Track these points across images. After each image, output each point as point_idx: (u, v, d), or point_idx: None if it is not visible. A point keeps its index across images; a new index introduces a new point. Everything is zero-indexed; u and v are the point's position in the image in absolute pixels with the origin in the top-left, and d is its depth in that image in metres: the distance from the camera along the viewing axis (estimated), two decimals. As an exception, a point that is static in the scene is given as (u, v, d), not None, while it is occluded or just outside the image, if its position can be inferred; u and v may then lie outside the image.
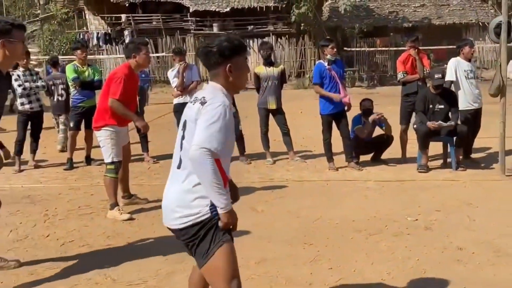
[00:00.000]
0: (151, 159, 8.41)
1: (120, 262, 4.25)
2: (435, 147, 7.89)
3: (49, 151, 9.05)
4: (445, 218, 5.46)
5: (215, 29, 23.84)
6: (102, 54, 21.92)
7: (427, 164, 7.49)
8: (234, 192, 2.73)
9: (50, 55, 10.89)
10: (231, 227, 2.48)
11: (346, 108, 7.69)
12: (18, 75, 8.17)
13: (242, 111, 8.11)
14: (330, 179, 7.26)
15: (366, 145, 8.10)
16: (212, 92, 2.53)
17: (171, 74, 8.23)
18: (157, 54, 21.57)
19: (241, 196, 2.63)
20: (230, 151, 2.65)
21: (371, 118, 8.12)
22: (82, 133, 8.39)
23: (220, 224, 2.41)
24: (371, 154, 8.26)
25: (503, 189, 6.60)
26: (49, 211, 5.98)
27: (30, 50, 10.05)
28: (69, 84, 8.32)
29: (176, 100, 8.14)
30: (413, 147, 7.95)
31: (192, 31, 23.97)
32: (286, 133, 8.26)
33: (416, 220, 5.41)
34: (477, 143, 8.12)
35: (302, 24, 21.52)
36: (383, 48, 21.36)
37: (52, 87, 8.88)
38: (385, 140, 8.23)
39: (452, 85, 7.66)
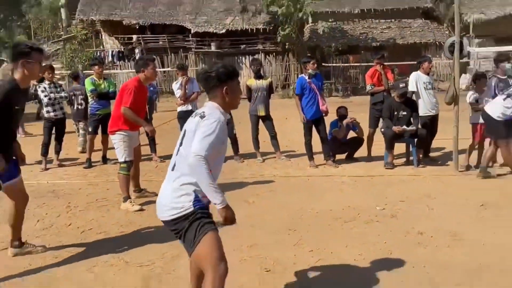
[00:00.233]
0: (158, 159, 8.45)
1: (132, 247, 4.32)
2: (399, 148, 7.95)
3: (71, 152, 9.05)
4: (408, 208, 5.56)
5: (213, 48, 23.80)
6: (116, 69, 21.84)
7: (393, 162, 7.61)
8: None
9: (71, 70, 10.83)
10: (226, 220, 2.52)
11: (324, 114, 7.74)
12: (44, 87, 8.24)
13: (236, 117, 8.15)
14: (311, 175, 7.32)
15: (342, 145, 8.21)
16: (210, 109, 2.62)
17: (175, 86, 8.26)
18: (163, 69, 21.50)
19: (235, 190, 2.68)
20: (222, 159, 2.76)
21: (345, 122, 8.24)
22: (99, 136, 8.42)
23: (220, 217, 2.50)
24: (346, 154, 8.32)
25: (457, 183, 6.73)
26: (71, 204, 6.03)
27: (54, 66, 10.00)
28: (88, 95, 8.38)
29: (179, 108, 8.17)
30: (380, 148, 7.99)
31: (193, 50, 23.95)
32: (273, 136, 8.30)
33: (384, 209, 5.51)
34: (435, 144, 8.23)
35: (287, 44, 21.56)
36: (355, 64, 21.48)
37: (73, 98, 8.92)
38: (358, 141, 8.31)
39: (414, 95, 7.74)
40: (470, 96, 7.40)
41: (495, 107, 6.43)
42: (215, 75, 2.62)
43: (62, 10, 33.03)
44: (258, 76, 8.48)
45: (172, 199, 2.51)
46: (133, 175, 5.99)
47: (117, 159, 6.01)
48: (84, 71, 14.10)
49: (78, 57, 24.67)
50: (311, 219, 5.20)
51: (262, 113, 8.24)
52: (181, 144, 2.61)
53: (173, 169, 2.61)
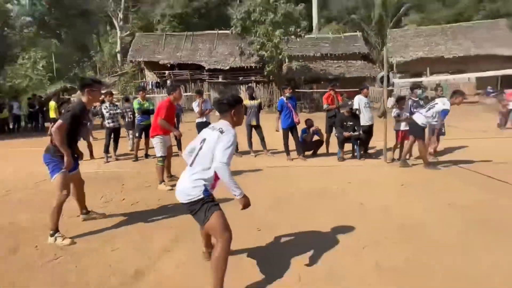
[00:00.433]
0: (181, 153, 8.32)
1: (165, 214, 4.33)
2: (348, 147, 7.92)
3: (123, 150, 8.98)
4: (354, 187, 5.57)
5: (220, 79, 23.78)
6: (154, 94, 21.71)
7: (343, 156, 7.61)
8: None
9: (124, 95, 10.82)
10: (244, 206, 2.62)
11: (296, 124, 7.73)
12: (106, 106, 8.25)
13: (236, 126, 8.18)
14: (289, 165, 7.31)
15: (309, 145, 8.20)
16: (226, 126, 2.64)
17: (194, 105, 8.21)
18: (186, 94, 21.39)
19: (235, 176, 2.65)
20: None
21: (311, 129, 8.22)
22: (142, 140, 8.38)
23: (240, 205, 2.59)
24: (311, 151, 8.27)
25: (386, 170, 6.79)
26: (125, 185, 6.01)
27: (113, 92, 9.97)
28: (135, 111, 8.33)
29: (197, 120, 8.11)
30: (334, 147, 7.99)
31: (206, 80, 23.88)
32: (262, 139, 8.26)
33: (338, 188, 5.51)
34: (371, 144, 8.22)
35: (271, 76, 21.55)
36: (318, 90, 21.44)
37: (125, 113, 8.89)
38: (319, 143, 8.31)
39: (357, 111, 7.75)
40: (394, 112, 7.48)
41: (420, 117, 6.50)
42: (226, 103, 2.70)
43: (118, 55, 32.97)
44: (251, 98, 8.48)
45: (188, 188, 2.53)
46: (166, 166, 5.96)
47: (155, 155, 5.97)
48: (132, 95, 13.99)
49: (128, 86, 24.60)
50: (288, 195, 5.20)
51: (254, 123, 8.22)
52: (201, 148, 2.61)
53: (191, 165, 2.62)
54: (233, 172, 2.65)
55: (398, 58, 24.75)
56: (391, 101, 7.84)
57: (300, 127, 8.08)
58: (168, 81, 23.19)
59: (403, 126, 7.30)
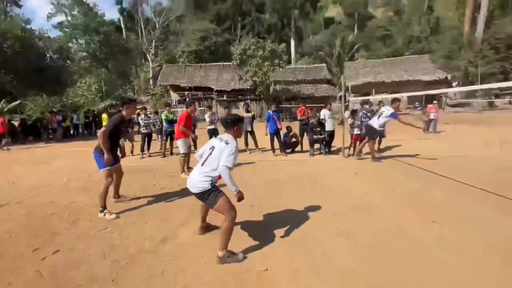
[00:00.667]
0: (196, 151, 8.29)
1: (185, 195, 4.20)
2: (316, 146, 7.93)
3: (154, 150, 8.86)
4: (321, 174, 5.54)
5: (225, 97, 23.70)
6: (177, 109, 21.56)
7: (313, 153, 7.58)
8: None
9: (154, 109, 10.77)
10: (239, 199, 2.57)
11: (280, 129, 7.71)
12: (142, 117, 8.21)
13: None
14: (274, 160, 7.27)
15: (289, 145, 8.16)
16: (230, 138, 2.60)
17: (206, 116, 8.16)
18: (200, 108, 21.22)
19: (235, 168, 2.64)
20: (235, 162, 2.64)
21: (291, 133, 8.20)
22: (168, 142, 8.28)
23: (235, 198, 2.54)
24: (290, 149, 8.22)
25: (344, 163, 6.71)
26: (155, 174, 5.92)
27: (146, 107, 9.88)
28: (163, 121, 8.23)
29: (208, 127, 8.06)
30: (306, 146, 7.96)
31: (215, 98, 23.78)
32: (255, 140, 8.21)
33: (310, 176, 5.47)
34: (333, 144, 8.16)
35: (261, 95, 21.54)
36: (295, 105, 21.43)
37: (155, 122, 8.77)
38: (296, 143, 8.30)
39: (323, 120, 7.73)
40: (349, 121, 7.48)
41: (375, 122, 6.42)
42: (230, 122, 2.68)
43: (150, 80, 32.73)
44: (247, 111, 8.44)
45: (198, 182, 2.52)
46: (186, 160, 5.88)
47: (179, 152, 5.90)
48: (160, 110, 13.90)
49: (158, 103, 24.41)
50: (274, 180, 5.18)
51: (249, 129, 8.16)
52: (210, 154, 2.60)
53: (202, 165, 2.60)
54: (235, 164, 2.66)
55: (352, 83, 24.88)
56: (347, 113, 7.87)
57: (283, 132, 8.06)
58: (187, 99, 23.10)
59: (356, 131, 7.33)
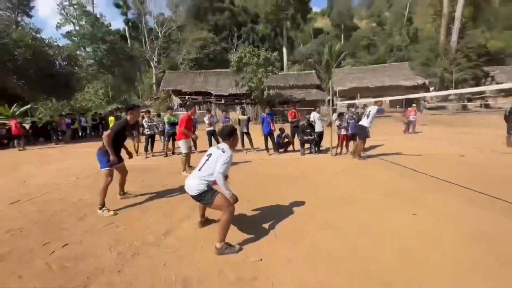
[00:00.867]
0: (197, 151, 8.19)
1: (186, 192, 4.19)
2: (306, 146, 7.94)
3: (157, 149, 8.79)
4: (311, 172, 5.54)
5: (223, 101, 23.63)
6: (178, 112, 21.45)
7: (304, 152, 7.57)
8: None
9: (157, 112, 10.70)
10: (233, 202, 2.56)
11: (273, 131, 7.70)
12: (146, 120, 8.08)
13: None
14: (268, 159, 7.25)
15: (281, 145, 8.15)
16: (226, 147, 2.59)
17: (205, 118, 8.11)
18: (200, 111, 21.11)
19: (232, 166, 2.63)
20: (229, 168, 2.64)
21: (283, 135, 8.20)
22: (170, 143, 8.21)
23: (231, 201, 2.53)
24: (283, 149, 8.20)
25: (332, 161, 6.72)
26: (159, 173, 5.85)
27: (150, 110, 9.78)
28: (165, 123, 8.17)
29: (207, 129, 8.00)
30: (297, 146, 7.95)
31: (214, 102, 23.68)
32: (250, 141, 8.17)
33: (300, 173, 5.47)
34: (322, 144, 8.18)
35: (256, 99, 21.52)
36: (287, 109, 21.44)
37: (158, 125, 8.67)
38: (288, 143, 8.30)
39: (313, 122, 7.74)
40: (337, 122, 7.50)
41: (365, 122, 6.37)
42: (226, 133, 2.67)
43: (154, 85, 32.45)
44: (243, 114, 8.39)
45: (195, 185, 2.51)
46: (187, 159, 5.82)
47: (181, 152, 5.86)
48: (163, 112, 13.75)
49: (161, 107, 24.22)
50: (269, 178, 5.16)
51: (245, 130, 8.12)
52: (207, 160, 2.60)
53: (199, 170, 2.59)
54: (232, 163, 2.66)
55: (340, 88, 25.07)
56: (335, 116, 7.92)
57: (276, 133, 8.05)
58: (188, 103, 22.96)
59: (343, 132, 7.37)
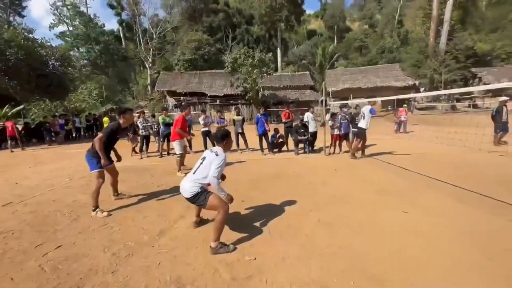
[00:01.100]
0: (192, 152, 8.16)
1: (179, 192, 4.16)
2: (300, 146, 7.96)
3: (152, 150, 8.69)
4: (305, 171, 5.56)
5: (218, 102, 23.53)
6: (173, 112, 21.26)
7: (298, 152, 7.58)
8: None
9: (152, 113, 10.60)
10: (229, 202, 2.59)
11: (268, 131, 7.71)
12: (141, 121, 8.02)
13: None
14: (263, 158, 7.24)
15: (276, 145, 8.14)
16: (220, 151, 2.58)
17: (200, 119, 8.08)
18: (195, 112, 21.03)
19: (227, 166, 2.62)
20: (222, 170, 2.62)
21: (278, 135, 8.21)
22: (165, 143, 8.12)
23: (227, 201, 2.55)
24: (277, 149, 8.20)
25: (325, 160, 6.75)
26: (154, 173, 5.79)
27: (145, 111, 9.69)
28: (160, 124, 8.09)
29: (202, 129, 7.97)
30: (291, 146, 7.96)
31: (209, 103, 23.55)
32: (245, 141, 8.16)
33: (294, 172, 5.48)
34: (316, 144, 8.21)
35: (251, 100, 21.50)
36: (281, 109, 21.46)
37: (153, 125, 8.58)
38: (283, 143, 8.30)
39: (306, 122, 7.76)
40: (330, 123, 7.54)
41: (363, 123, 6.42)
42: (220, 137, 2.68)
43: (148, 86, 32.15)
44: (238, 114, 8.34)
45: (190, 188, 2.51)
46: (182, 160, 5.79)
47: (176, 153, 5.81)
48: (157, 113, 13.64)
49: (156, 107, 24.02)
50: (263, 177, 5.16)
51: (240, 131, 8.10)
52: (201, 163, 2.60)
53: (194, 173, 2.58)
54: (227, 163, 2.65)
55: (333, 88, 25.24)
56: (328, 116, 7.96)
57: (270, 133, 8.05)
58: (183, 104, 22.84)
59: (336, 131, 7.42)
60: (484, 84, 24.78)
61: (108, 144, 3.61)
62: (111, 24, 63.50)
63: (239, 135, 8.21)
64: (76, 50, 32.02)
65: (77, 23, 33.38)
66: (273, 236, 2.77)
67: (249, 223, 3.08)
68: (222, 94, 23.85)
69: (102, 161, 3.47)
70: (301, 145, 7.94)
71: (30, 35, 15.82)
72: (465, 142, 7.10)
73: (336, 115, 7.57)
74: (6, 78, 13.62)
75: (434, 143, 7.95)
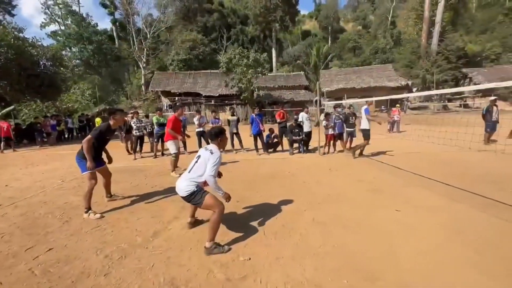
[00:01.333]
0: (187, 152, 8.12)
1: (174, 193, 4.12)
2: (295, 145, 7.97)
3: (146, 150, 8.60)
4: (299, 171, 5.58)
5: (213, 102, 23.45)
6: (167, 113, 21.13)
7: (293, 152, 7.60)
8: None
9: (145, 113, 10.49)
10: (226, 200, 2.61)
11: (263, 131, 7.70)
12: (134, 121, 7.94)
13: (223, 133, 8.05)
14: (257, 158, 7.23)
15: (271, 145, 8.16)
16: (214, 148, 2.56)
17: (195, 119, 8.03)
18: (190, 112, 20.92)
19: (223, 166, 2.60)
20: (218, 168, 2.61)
21: (272, 135, 8.21)
22: (159, 144, 8.04)
23: (223, 199, 2.57)
24: (272, 149, 8.22)
25: (319, 160, 6.77)
26: (147, 174, 5.73)
27: (138, 112, 9.58)
28: (154, 124, 8.01)
29: (197, 129, 7.93)
30: (286, 146, 8.00)
31: (203, 103, 23.47)
32: (240, 141, 8.16)
33: (289, 172, 5.49)
34: (310, 143, 8.23)
35: (246, 100, 21.48)
36: (276, 109, 21.54)
37: (147, 126, 8.49)
38: (277, 143, 8.30)
39: (301, 122, 7.78)
40: (324, 123, 7.57)
41: (365, 124, 6.43)
42: (214, 134, 2.66)
43: (142, 86, 31.80)
44: (233, 114, 8.30)
45: (185, 187, 2.49)
46: (176, 160, 5.75)
47: (170, 153, 5.75)
48: (152, 113, 13.54)
49: (150, 108, 23.77)
50: (258, 177, 5.15)
51: (235, 131, 8.09)
52: (196, 161, 2.58)
53: (189, 172, 2.57)
54: (222, 163, 2.64)
55: (327, 88, 25.40)
56: (322, 116, 8.00)
57: (265, 133, 8.05)
58: (177, 104, 22.69)
59: (330, 131, 7.46)
60: (475, 84, 25.26)
61: (99, 145, 3.55)
62: (104, 23, 62.77)
63: (234, 135, 8.19)
64: (68, 49, 31.51)
65: (69, 22, 32.83)
66: (268, 236, 2.77)
67: (243, 223, 3.08)
68: (217, 94, 23.79)
69: (88, 163, 3.36)
70: (295, 145, 7.97)
71: (21, 34, 15.50)
72: (456, 141, 7.22)
73: (330, 115, 7.61)
74: (-4, 78, 13.33)
75: (426, 142, 8.06)
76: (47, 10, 32.85)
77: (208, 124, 8.25)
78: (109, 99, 28.01)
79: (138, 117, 8.26)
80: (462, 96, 25.96)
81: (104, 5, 37.37)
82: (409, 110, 23.92)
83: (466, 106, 25.08)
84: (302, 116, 7.84)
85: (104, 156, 3.84)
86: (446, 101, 25.43)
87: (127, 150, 8.41)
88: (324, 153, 7.48)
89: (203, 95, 23.97)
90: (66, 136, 14.82)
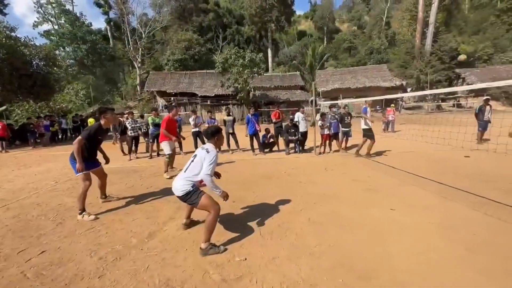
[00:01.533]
0: (182, 153, 8.08)
1: (170, 194, 4.10)
2: (291, 145, 7.99)
3: (141, 150, 8.53)
4: (295, 171, 5.57)
5: (208, 102, 23.35)
6: (163, 113, 20.99)
7: (289, 152, 7.61)
8: None
9: (141, 113, 10.39)
10: (224, 199, 2.60)
11: (259, 131, 7.70)
12: (129, 121, 7.87)
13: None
14: (254, 158, 7.22)
15: (267, 145, 8.16)
16: (211, 147, 2.56)
17: (190, 119, 7.99)
18: (186, 112, 20.81)
19: (218, 166, 2.58)
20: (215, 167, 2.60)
21: (269, 135, 8.21)
22: (155, 144, 7.96)
23: (221, 198, 2.55)
24: (268, 149, 8.22)
25: (315, 160, 6.78)
26: (142, 175, 5.67)
27: (133, 112, 9.50)
28: (149, 125, 7.92)
29: (192, 130, 7.90)
30: (282, 146, 7.99)
31: (199, 103, 23.36)
32: (236, 141, 8.15)
33: (285, 172, 5.49)
34: (306, 143, 8.25)
35: (242, 100, 21.44)
36: (272, 109, 21.55)
37: (142, 126, 8.42)
38: (273, 143, 8.30)
39: (297, 122, 7.79)
40: (320, 122, 7.57)
41: (365, 123, 6.41)
42: (210, 133, 2.65)
43: (138, 86, 31.53)
44: (228, 115, 8.34)
45: (181, 186, 2.48)
46: (170, 160, 5.70)
47: (164, 154, 5.71)
48: (147, 113, 13.43)
49: (145, 108, 23.58)
50: (254, 177, 5.14)
51: (231, 131, 8.09)
52: (192, 161, 2.57)
53: (185, 171, 2.56)
54: (218, 163, 2.63)
55: (323, 88, 25.51)
56: (318, 116, 8.02)
57: (261, 133, 8.04)
58: (173, 104, 22.52)
59: (326, 131, 7.49)
60: (468, 84, 25.63)
61: (91, 146, 3.48)
62: (98, 23, 61.93)
63: (230, 136, 8.17)
64: (61, 49, 31.12)
65: (63, 21, 32.43)
66: (264, 236, 2.77)
67: (239, 223, 3.07)
68: (213, 94, 23.70)
69: (77, 165, 3.28)
70: (291, 145, 7.98)
71: (13, 34, 15.27)
72: (449, 140, 7.31)
73: (326, 115, 7.64)
74: (-13, 78, 13.11)
75: (420, 142, 8.14)
76: (40, 9, 32.40)
77: (204, 124, 8.23)
78: (103, 99, 27.75)
79: (133, 118, 8.20)
80: (455, 96, 26.30)
81: (98, 5, 36.98)
82: (403, 110, 24.15)
83: (459, 106, 25.42)
84: (298, 116, 7.85)
85: (100, 156, 3.79)
86: (440, 101, 25.75)
87: (122, 151, 8.34)
88: (319, 153, 7.50)
89: (199, 95, 23.86)
90: (60, 136, 14.63)
